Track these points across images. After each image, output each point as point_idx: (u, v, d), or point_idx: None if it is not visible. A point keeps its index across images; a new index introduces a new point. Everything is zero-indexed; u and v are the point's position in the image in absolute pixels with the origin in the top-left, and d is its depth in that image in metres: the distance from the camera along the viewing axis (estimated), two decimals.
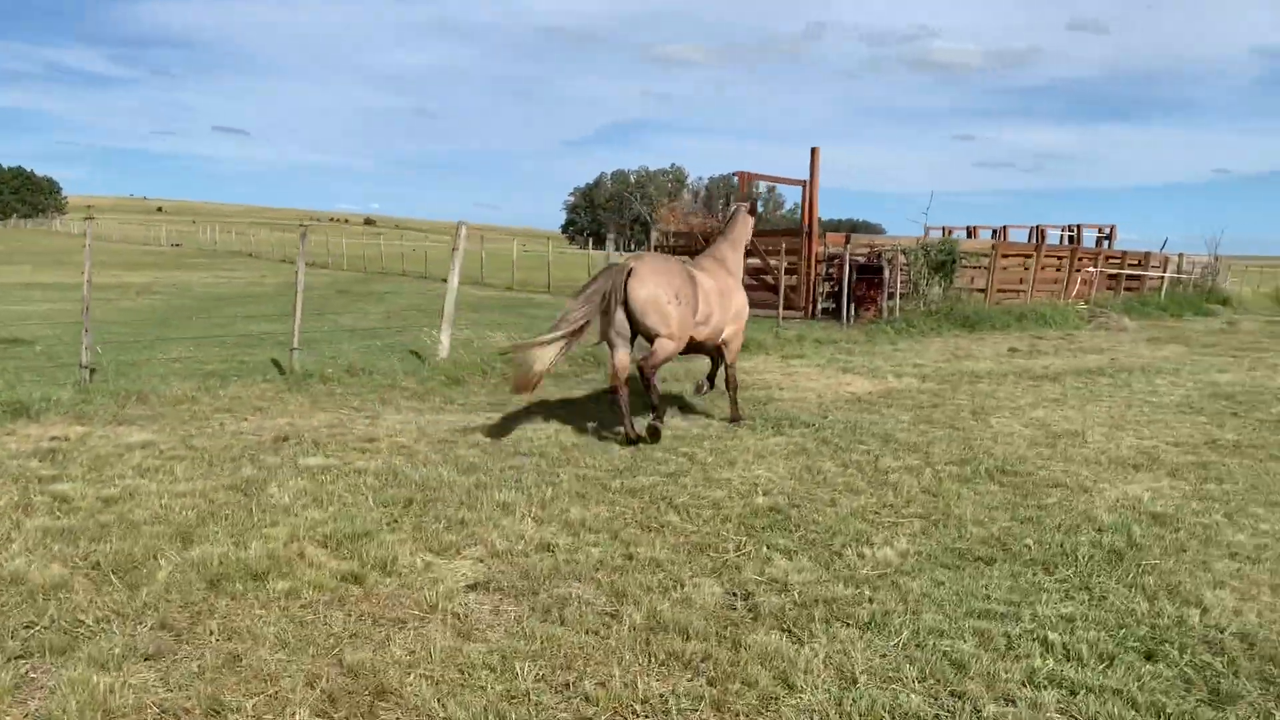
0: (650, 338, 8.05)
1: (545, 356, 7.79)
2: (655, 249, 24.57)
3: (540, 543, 5.32)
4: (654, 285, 7.95)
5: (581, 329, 7.90)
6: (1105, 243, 33.55)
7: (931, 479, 7.01)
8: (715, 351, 9.20)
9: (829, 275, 20.13)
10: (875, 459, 7.60)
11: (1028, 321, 20.79)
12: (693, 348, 8.72)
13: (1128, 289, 28.27)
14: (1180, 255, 31.06)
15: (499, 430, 8.21)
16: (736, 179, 25.31)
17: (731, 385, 9.21)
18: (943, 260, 19.77)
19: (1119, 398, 11.12)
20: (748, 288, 18.50)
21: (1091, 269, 25.62)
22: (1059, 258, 24.68)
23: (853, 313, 19.18)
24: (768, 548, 5.36)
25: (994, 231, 31.43)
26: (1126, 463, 7.81)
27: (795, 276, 20.70)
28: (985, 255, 22.04)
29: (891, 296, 19.11)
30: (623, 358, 8.09)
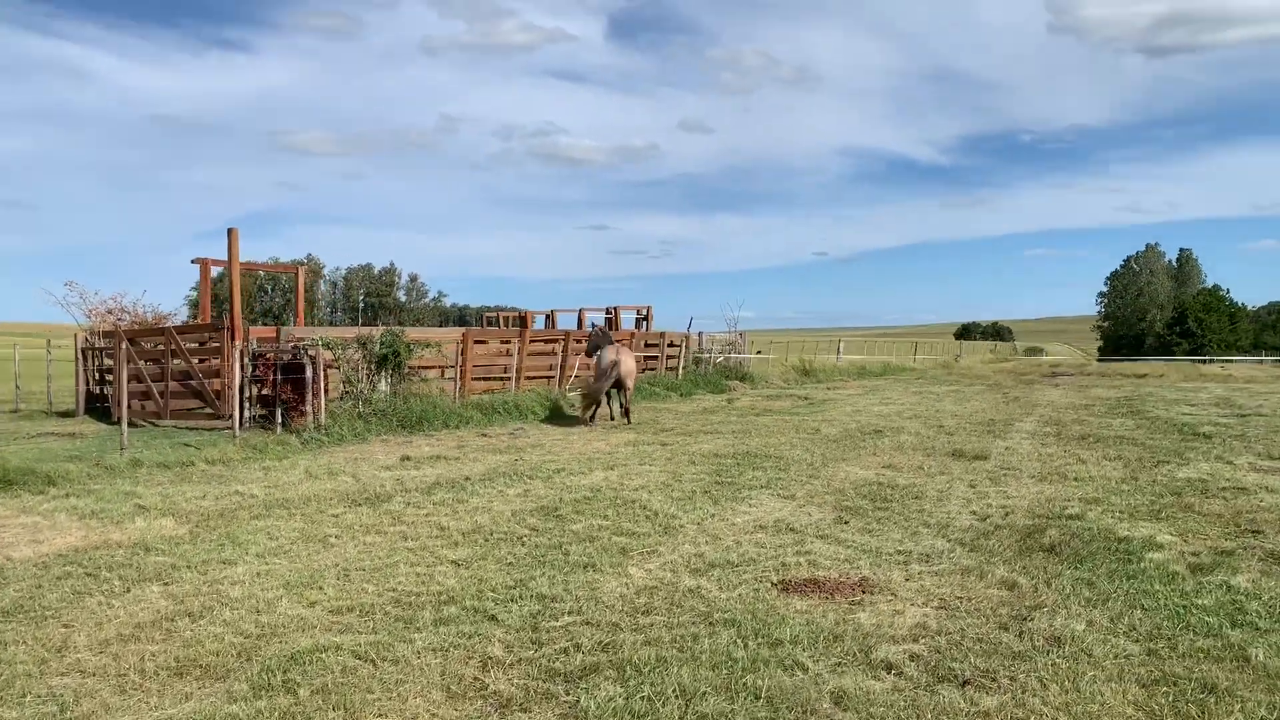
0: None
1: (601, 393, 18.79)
2: (84, 351, 20.68)
3: None
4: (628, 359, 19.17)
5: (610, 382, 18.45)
6: (644, 324, 33.62)
7: None
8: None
9: (257, 376, 17.15)
10: None
11: (500, 415, 19.02)
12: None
13: (647, 370, 27.77)
14: (700, 334, 31.37)
15: None
16: (198, 265, 22.08)
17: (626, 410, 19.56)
18: (385, 354, 17.46)
19: (411, 528, 8.96)
20: (174, 394, 16.43)
21: None
22: (550, 342, 23.37)
23: (282, 419, 16.38)
24: None
25: (485, 319, 30.20)
26: (172, 673, 5.31)
27: (220, 379, 17.55)
28: (453, 343, 20.08)
29: (317, 397, 16.42)
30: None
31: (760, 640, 5.73)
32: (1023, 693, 4.96)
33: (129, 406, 19.35)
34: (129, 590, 6.87)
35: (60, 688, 5.05)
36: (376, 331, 17.81)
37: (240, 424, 16.62)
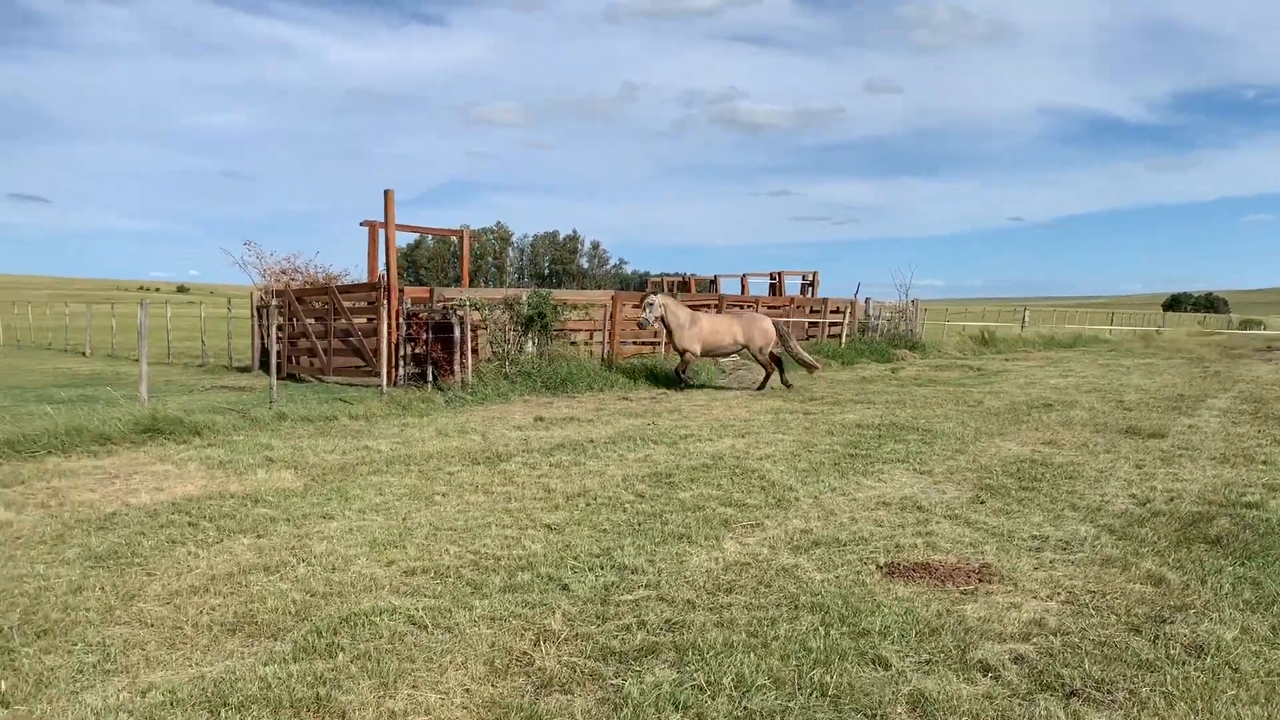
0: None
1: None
2: (259, 309, 21.71)
3: None
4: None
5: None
6: (809, 289, 32.71)
7: None
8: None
9: (410, 335, 17.50)
10: None
11: (646, 379, 18.74)
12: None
13: (809, 337, 26.89)
14: (868, 300, 30.12)
15: None
16: (366, 227, 22.72)
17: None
18: (532, 315, 17.44)
19: (518, 489, 8.76)
20: (336, 352, 19.46)
21: None
22: (703, 306, 22.84)
23: (432, 378, 16.67)
24: None
25: (650, 283, 29.75)
26: (225, 629, 5.22)
27: (377, 337, 17.99)
28: (601, 306, 19.90)
29: (465, 357, 16.57)
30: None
31: (844, 629, 5.15)
32: (1140, 710, 4.20)
33: (297, 362, 20.22)
34: (220, 541, 6.90)
35: (113, 637, 5.02)
36: (524, 293, 17.82)
37: (394, 381, 17.02)
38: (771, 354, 18.44)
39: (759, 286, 33.55)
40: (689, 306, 19.41)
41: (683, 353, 18.14)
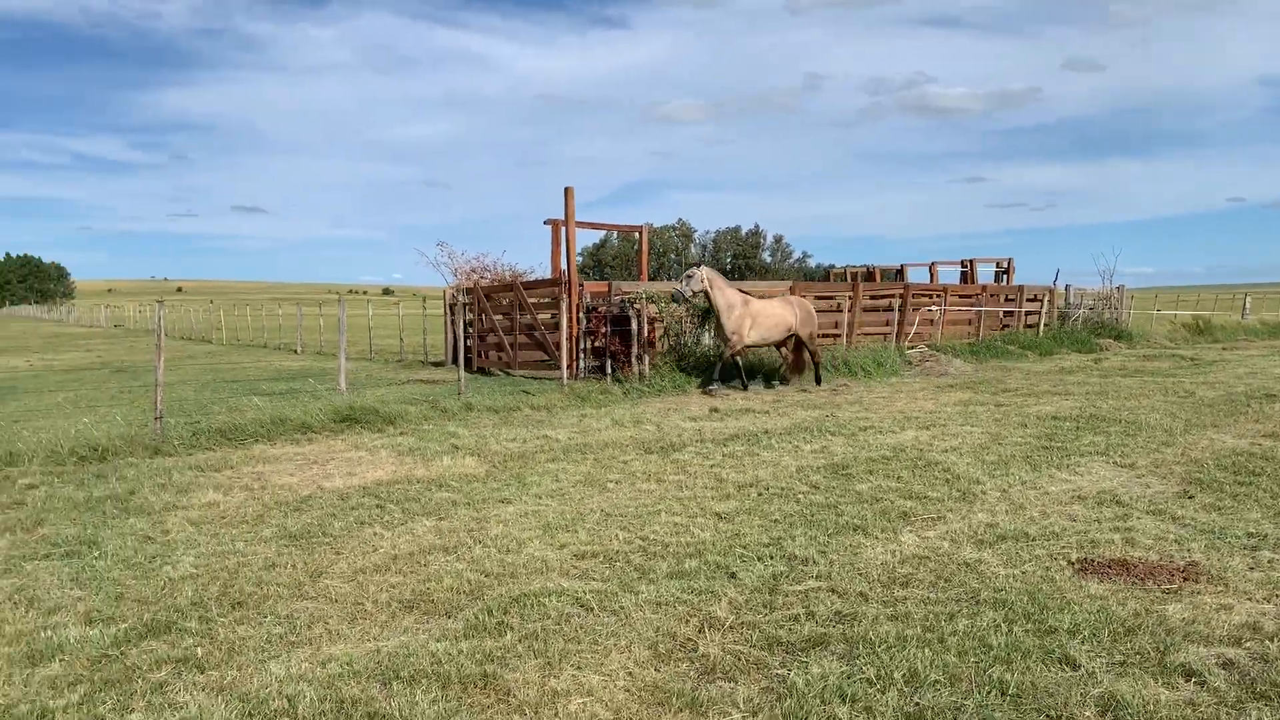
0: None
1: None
2: (451, 307, 22.57)
3: None
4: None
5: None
6: (1004, 277, 31.32)
7: None
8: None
9: (589, 329, 17.79)
10: None
11: (826, 371, 18.32)
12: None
13: (1003, 326, 25.69)
14: (1068, 287, 28.45)
15: None
16: (549, 226, 23.27)
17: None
18: (707, 308, 17.37)
19: (690, 478, 8.72)
20: (521, 346, 19.84)
21: (933, 307, 23.05)
22: (887, 296, 22.15)
23: (610, 370, 16.91)
24: None
25: (832, 275, 29.03)
26: (403, 606, 5.39)
27: (560, 332, 18.38)
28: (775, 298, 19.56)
29: (642, 349, 16.69)
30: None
31: (1029, 626, 4.82)
32: None
33: (486, 357, 20.93)
34: (405, 523, 7.18)
35: (299, 611, 5.28)
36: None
37: (575, 374, 17.32)
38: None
39: (949, 275, 32.26)
40: (814, 296, 18.69)
41: (730, 338, 16.21)
